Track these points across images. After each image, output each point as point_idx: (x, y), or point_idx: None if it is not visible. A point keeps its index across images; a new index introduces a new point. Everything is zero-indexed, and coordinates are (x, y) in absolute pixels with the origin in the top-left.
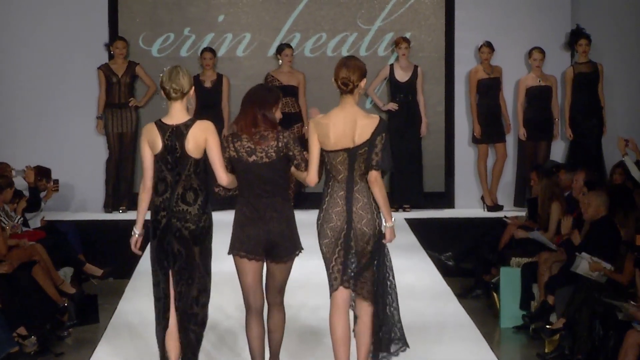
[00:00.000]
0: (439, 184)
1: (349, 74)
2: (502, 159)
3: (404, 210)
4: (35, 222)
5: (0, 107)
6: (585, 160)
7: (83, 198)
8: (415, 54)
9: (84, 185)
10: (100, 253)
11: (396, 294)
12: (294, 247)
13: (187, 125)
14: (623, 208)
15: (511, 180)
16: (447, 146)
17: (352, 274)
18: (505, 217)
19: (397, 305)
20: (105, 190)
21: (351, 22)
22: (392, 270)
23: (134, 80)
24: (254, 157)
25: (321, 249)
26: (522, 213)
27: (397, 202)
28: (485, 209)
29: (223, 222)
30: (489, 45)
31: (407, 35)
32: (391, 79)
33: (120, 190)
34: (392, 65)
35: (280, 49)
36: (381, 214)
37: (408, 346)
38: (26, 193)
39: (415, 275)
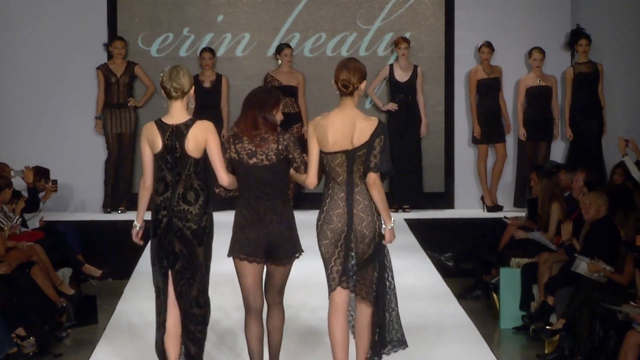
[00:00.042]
0: (439, 184)
1: (350, 76)
2: (502, 159)
3: (404, 211)
4: (34, 222)
5: None
6: (586, 160)
7: (82, 198)
8: (415, 54)
9: (82, 186)
10: (99, 254)
11: (396, 295)
12: (294, 249)
13: (188, 125)
14: (623, 208)
15: (511, 181)
16: (447, 146)
17: (351, 274)
18: (505, 217)
19: (397, 306)
20: (104, 190)
21: (351, 22)
22: (391, 271)
23: (132, 81)
24: (254, 160)
25: (320, 250)
26: (522, 213)
27: (396, 202)
28: (485, 210)
29: (223, 223)
30: (488, 45)
31: (407, 35)
32: (391, 79)
33: (119, 190)
34: (391, 66)
35: (279, 49)
36: (381, 216)
37: (406, 345)
38: (25, 193)
39: (414, 276)
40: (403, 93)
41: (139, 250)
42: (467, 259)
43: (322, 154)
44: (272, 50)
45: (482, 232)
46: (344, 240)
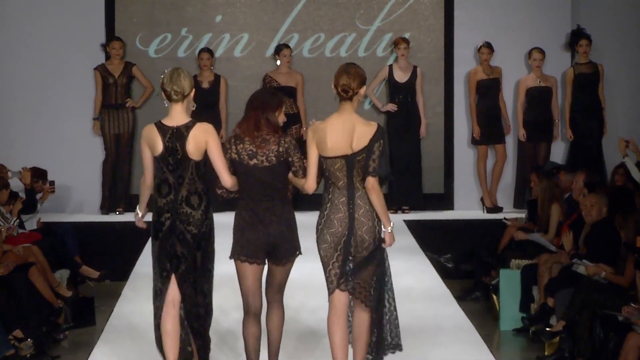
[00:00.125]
0: (438, 185)
1: (350, 81)
2: (502, 160)
3: (403, 212)
4: (31, 223)
5: None
6: (586, 161)
7: (79, 200)
8: (414, 55)
9: (80, 187)
10: (96, 255)
11: (394, 299)
12: (294, 249)
13: (188, 127)
14: (623, 210)
15: (511, 182)
16: (447, 147)
17: (349, 277)
18: (504, 218)
19: (396, 310)
20: (102, 191)
21: (350, 23)
22: (390, 275)
23: (130, 81)
24: (254, 161)
25: (319, 253)
26: (521, 215)
27: (396, 203)
28: (485, 211)
29: (223, 224)
30: (488, 46)
31: (406, 35)
32: (390, 80)
33: (117, 191)
34: (391, 66)
35: (278, 50)
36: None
37: (401, 349)
38: (22, 195)
39: (414, 278)
40: (402, 94)
41: (137, 252)
42: (467, 260)
43: (322, 159)
44: (270, 51)
45: (482, 234)
46: (343, 244)
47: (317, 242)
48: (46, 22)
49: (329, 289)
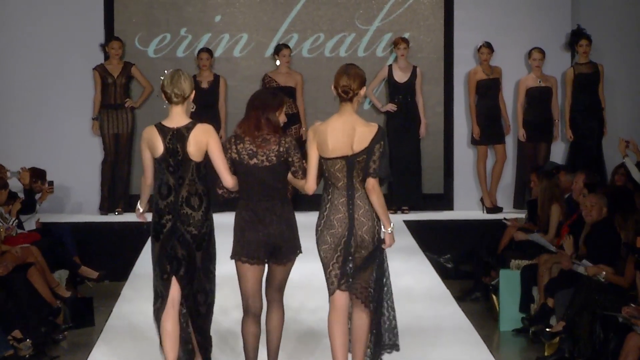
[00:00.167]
0: (438, 185)
1: (350, 82)
2: (502, 160)
3: (403, 212)
4: (30, 224)
5: None
6: (586, 161)
7: (78, 200)
8: (414, 55)
9: (79, 187)
10: (95, 255)
11: (392, 299)
12: (295, 248)
13: (189, 128)
14: (622, 210)
15: (511, 182)
16: (446, 147)
17: (350, 278)
18: (504, 219)
19: (394, 310)
20: (101, 192)
21: (349, 23)
22: (389, 276)
23: (129, 81)
24: (254, 160)
25: (319, 255)
26: (521, 215)
27: (395, 204)
28: (485, 211)
29: (223, 224)
30: (488, 46)
31: (406, 35)
32: (390, 80)
33: (116, 192)
34: (390, 66)
35: (277, 50)
36: (381, 221)
37: (399, 349)
38: (21, 195)
39: (413, 278)
40: (402, 94)
41: (136, 252)
42: (467, 260)
43: (322, 160)
44: (270, 51)
45: (482, 234)
46: (343, 245)
47: (317, 243)
48: (45, 22)
49: (329, 289)
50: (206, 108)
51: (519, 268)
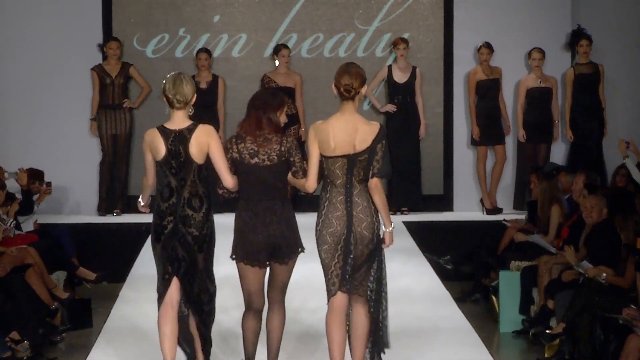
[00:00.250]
0: (438, 186)
1: (352, 81)
2: (502, 161)
3: (402, 213)
4: (28, 225)
5: None
6: (586, 162)
7: (76, 201)
8: (413, 55)
9: (77, 188)
10: (93, 257)
11: (387, 299)
12: (296, 247)
13: (190, 130)
14: (623, 211)
15: (511, 183)
16: (446, 148)
17: (350, 277)
18: (504, 220)
19: (387, 309)
20: (99, 193)
21: (349, 23)
22: (385, 276)
23: (127, 82)
24: (255, 160)
25: (320, 255)
26: (521, 216)
27: (395, 205)
28: (485, 212)
29: (223, 224)
30: (488, 46)
31: (405, 35)
32: (389, 80)
33: (114, 193)
34: (390, 67)
35: (276, 50)
36: (380, 218)
37: (388, 346)
38: (19, 196)
39: (413, 279)
40: (402, 94)
41: (135, 253)
42: (466, 261)
43: (323, 158)
44: (269, 51)
45: (482, 235)
46: (343, 243)
47: (317, 243)
48: (43, 22)
49: (330, 291)
50: (205, 108)
51: (519, 269)
